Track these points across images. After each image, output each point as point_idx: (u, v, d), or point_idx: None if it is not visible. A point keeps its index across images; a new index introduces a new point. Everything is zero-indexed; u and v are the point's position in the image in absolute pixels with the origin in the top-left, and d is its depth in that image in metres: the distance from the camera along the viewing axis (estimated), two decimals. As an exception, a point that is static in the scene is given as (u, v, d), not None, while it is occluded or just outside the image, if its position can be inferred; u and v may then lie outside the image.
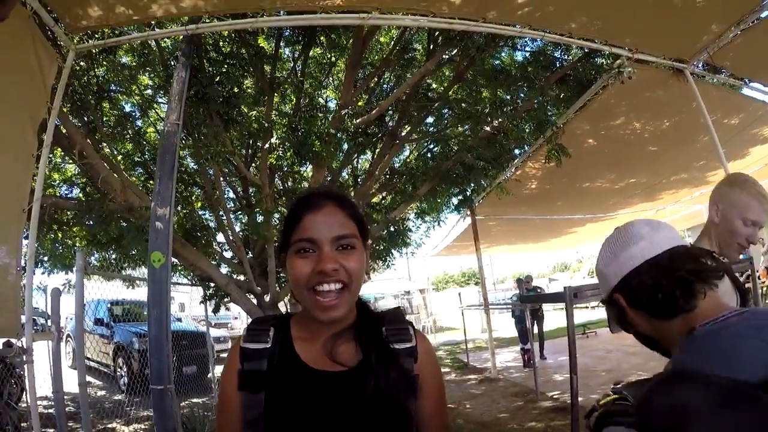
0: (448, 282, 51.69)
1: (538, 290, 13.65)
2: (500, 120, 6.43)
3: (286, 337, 1.24)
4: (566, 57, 6.69)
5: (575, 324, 3.09)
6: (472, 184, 8.16)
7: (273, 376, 1.17)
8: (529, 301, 10.94)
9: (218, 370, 8.78)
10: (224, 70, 5.34)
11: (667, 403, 0.88)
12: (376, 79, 7.66)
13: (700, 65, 5.01)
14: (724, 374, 0.86)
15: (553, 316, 12.78)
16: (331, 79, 8.44)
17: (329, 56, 7.55)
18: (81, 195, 7.32)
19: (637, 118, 6.31)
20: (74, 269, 4.58)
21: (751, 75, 5.40)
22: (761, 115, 6.38)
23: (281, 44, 6.46)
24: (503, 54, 7.66)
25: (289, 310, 6.94)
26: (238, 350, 1.22)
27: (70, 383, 4.36)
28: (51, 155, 6.90)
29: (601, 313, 19.06)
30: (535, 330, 11.33)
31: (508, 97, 7.00)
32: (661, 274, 1.10)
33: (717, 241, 2.13)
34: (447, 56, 6.57)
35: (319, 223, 1.16)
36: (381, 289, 26.99)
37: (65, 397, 3.93)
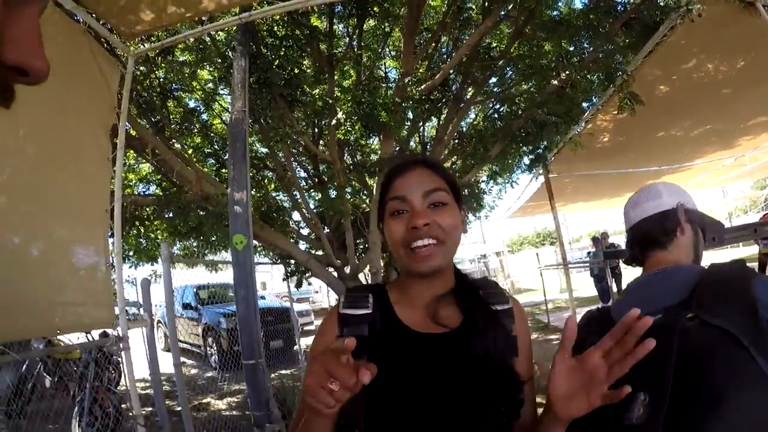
0: (522, 243, 51.08)
1: (616, 246, 13.23)
2: (567, 72, 6.18)
3: (385, 302, 1.24)
4: (628, 0, 6.33)
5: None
6: (545, 141, 7.94)
7: (375, 342, 1.16)
8: (612, 256, 10.63)
9: (303, 342, 9.08)
10: (282, 53, 5.38)
11: None
12: (433, 45, 7.50)
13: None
14: None
15: (631, 273, 12.32)
16: (388, 49, 8.35)
17: (384, 26, 7.45)
18: (158, 190, 7.64)
19: (710, 59, 5.89)
20: (160, 260, 4.79)
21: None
22: None
23: (334, 21, 6.43)
24: (561, 3, 7.34)
25: (369, 281, 7.04)
26: (336, 316, 1.22)
27: (165, 365, 4.58)
28: (124, 158, 7.22)
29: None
30: (614, 288, 11.02)
31: (572, 48, 6.71)
32: None
33: None
34: (504, 12, 6.35)
35: (408, 182, 1.18)
36: (458, 254, 26.92)
37: (161, 378, 4.17)
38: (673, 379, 1.05)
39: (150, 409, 4.88)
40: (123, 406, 4.98)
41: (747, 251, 13.17)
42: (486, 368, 1.11)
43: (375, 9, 5.64)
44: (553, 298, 16.10)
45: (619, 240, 21.00)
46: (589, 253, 13.22)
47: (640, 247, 1.48)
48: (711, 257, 1.70)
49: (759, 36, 4.79)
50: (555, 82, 6.41)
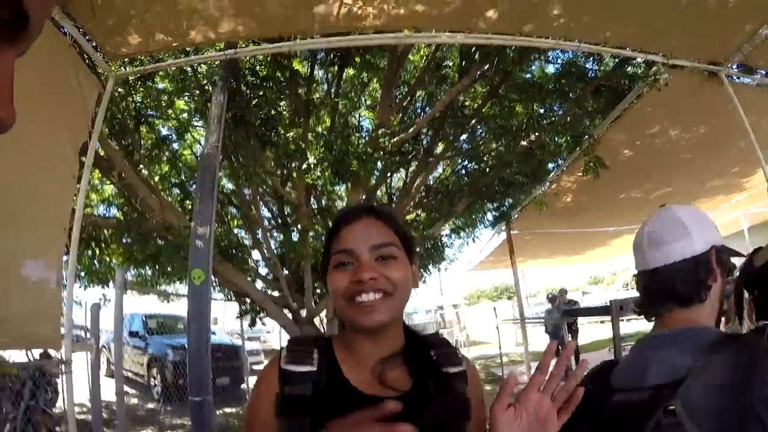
0: (480, 297, 51.34)
1: (574, 304, 13.43)
2: (537, 134, 6.38)
3: (331, 359, 1.14)
4: (599, 67, 6.62)
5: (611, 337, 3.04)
6: (510, 199, 8.09)
7: (320, 402, 1.06)
8: (573, 315, 10.74)
9: (252, 381, 8.87)
10: (261, 93, 5.42)
11: None
12: (409, 98, 7.66)
13: (734, 67, 4.91)
14: None
15: (587, 330, 12.52)
16: (364, 98, 8.48)
17: (363, 77, 7.58)
18: (119, 214, 7.48)
19: (673, 125, 6.18)
20: (114, 286, 4.67)
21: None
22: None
23: (316, 66, 6.52)
24: (535, 67, 7.62)
25: (324, 326, 6.97)
26: (277, 372, 1.11)
27: (106, 392, 4.43)
28: (89, 177, 7.08)
29: (635, 326, 18.67)
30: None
31: (543, 111, 6.95)
32: None
33: None
34: (480, 72, 6.55)
35: (355, 234, 1.10)
36: (413, 304, 26.84)
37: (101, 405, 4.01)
38: None
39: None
40: (57, 429, 4.75)
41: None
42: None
43: (356, 59, 5.74)
44: (508, 351, 16.17)
45: (577, 296, 21.36)
46: (548, 310, 13.34)
47: (662, 300, 1.19)
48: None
49: (720, 104, 5.03)
50: (524, 142, 6.59)
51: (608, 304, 3.73)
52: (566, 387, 0.92)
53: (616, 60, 6.13)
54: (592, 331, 17.36)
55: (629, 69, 6.34)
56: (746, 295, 1.91)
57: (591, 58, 6.51)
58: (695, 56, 4.53)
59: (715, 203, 10.18)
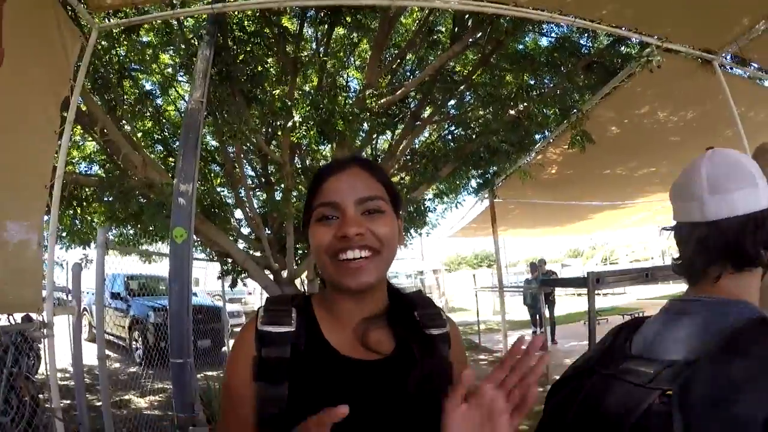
0: (460, 264, 51.81)
1: (552, 274, 13.61)
2: (525, 104, 6.36)
3: (310, 319, 1.09)
4: (592, 44, 6.59)
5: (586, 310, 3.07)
6: (494, 167, 8.10)
7: (299, 364, 1.02)
8: (549, 284, 10.88)
9: (232, 343, 8.88)
10: (248, 49, 5.31)
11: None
12: (399, 61, 7.58)
13: (728, 57, 4.92)
14: None
15: (564, 302, 12.75)
16: (353, 59, 8.36)
17: (353, 37, 7.46)
18: (101, 172, 7.37)
19: (662, 107, 6.22)
20: (95, 245, 4.60)
21: (781, 70, 5.30)
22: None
23: (305, 24, 6.39)
24: (528, 39, 7.56)
25: (306, 287, 6.97)
26: (254, 334, 1.05)
27: (87, 355, 4.40)
28: (71, 133, 6.94)
29: (612, 300, 19.05)
30: (547, 314, 11.34)
31: (533, 82, 6.92)
32: None
33: None
34: (472, 40, 6.47)
35: (341, 185, 1.03)
36: (394, 268, 26.84)
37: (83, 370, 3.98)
38: None
39: (69, 401, 4.64)
40: (41, 396, 4.73)
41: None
42: (420, 401, 1.00)
43: (347, 18, 5.63)
44: (486, 319, 16.43)
45: (557, 268, 21.65)
46: (527, 280, 13.54)
47: (717, 259, 1.02)
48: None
49: (711, 92, 5.06)
50: (512, 111, 6.56)
51: (585, 276, 3.75)
52: (523, 384, 0.86)
53: (611, 39, 6.11)
54: (568, 303, 17.68)
55: (623, 49, 6.32)
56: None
57: (585, 35, 6.50)
58: (690, 42, 4.56)
59: (698, 188, 10.30)
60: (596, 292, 3.60)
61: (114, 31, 4.99)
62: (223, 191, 8.19)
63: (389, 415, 1.00)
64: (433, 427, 0.94)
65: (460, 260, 53.23)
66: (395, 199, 1.11)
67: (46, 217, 3.50)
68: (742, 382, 0.79)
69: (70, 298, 4.16)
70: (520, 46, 7.28)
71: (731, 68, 5.15)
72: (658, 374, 0.91)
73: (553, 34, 6.95)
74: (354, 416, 0.90)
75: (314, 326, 1.08)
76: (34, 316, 3.19)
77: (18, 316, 3.64)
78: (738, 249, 0.98)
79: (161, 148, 7.31)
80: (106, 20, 4.15)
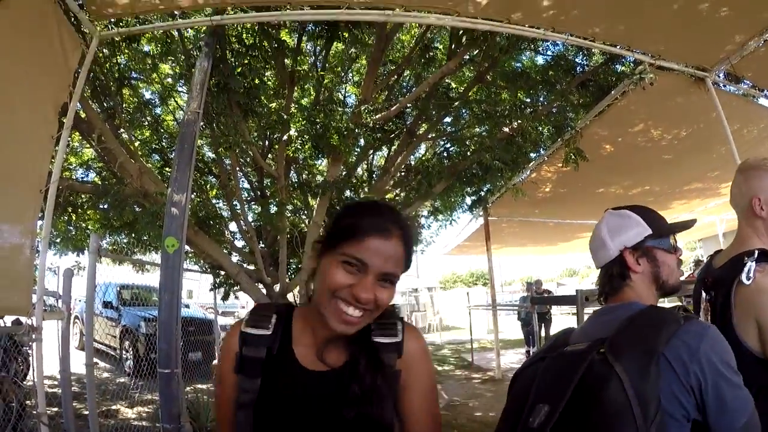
0: (455, 282, 51.54)
1: (548, 293, 13.63)
2: (519, 122, 6.40)
3: (286, 329, 1.26)
4: (587, 62, 6.66)
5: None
6: (488, 185, 8.14)
7: (269, 366, 1.21)
8: (540, 302, 10.94)
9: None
10: (246, 61, 5.34)
11: None
12: (395, 77, 7.63)
13: (721, 75, 4.97)
14: None
15: (560, 321, 12.72)
16: (351, 74, 8.43)
17: (351, 52, 7.53)
18: (97, 179, 7.38)
19: (655, 125, 6.25)
20: (87, 251, 4.59)
21: (773, 87, 5.35)
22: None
23: (303, 38, 6.45)
24: (524, 57, 7.65)
25: (297, 301, 6.97)
26: (239, 333, 1.24)
27: (77, 364, 4.37)
28: (69, 139, 6.96)
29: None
30: (542, 333, 11.33)
31: (528, 100, 6.98)
32: None
33: None
34: (468, 57, 6.54)
35: (379, 253, 1.13)
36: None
37: (71, 377, 3.95)
38: (572, 401, 1.20)
39: (56, 409, 4.61)
40: (28, 402, 4.70)
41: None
42: (356, 413, 1.14)
43: (345, 34, 5.69)
44: (480, 338, 16.37)
45: (552, 287, 21.62)
46: (522, 297, 13.56)
47: (603, 289, 1.58)
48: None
49: (704, 109, 5.10)
50: (506, 129, 6.62)
51: (575, 293, 3.79)
52: None
53: (606, 57, 6.17)
54: (564, 321, 17.64)
55: (618, 67, 6.39)
56: (704, 295, 1.95)
57: (581, 53, 6.55)
58: (683, 60, 4.59)
59: (692, 206, 10.36)
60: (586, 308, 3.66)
61: (115, 39, 5.03)
62: (218, 203, 8.20)
63: (328, 425, 1.16)
64: None
65: (456, 278, 53.01)
66: (408, 263, 1.23)
67: (39, 222, 3.51)
68: (644, 333, 1.26)
69: (60, 303, 4.14)
70: (517, 64, 7.36)
71: (724, 85, 5.20)
72: (592, 344, 1.30)
73: (548, 52, 7.03)
74: (302, 420, 1.16)
75: (288, 335, 1.26)
76: (24, 320, 3.18)
77: (8, 320, 3.64)
78: (608, 285, 1.55)
79: (158, 157, 7.33)
80: (108, 28, 4.20)
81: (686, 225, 1.63)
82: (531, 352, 11.11)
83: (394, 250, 1.15)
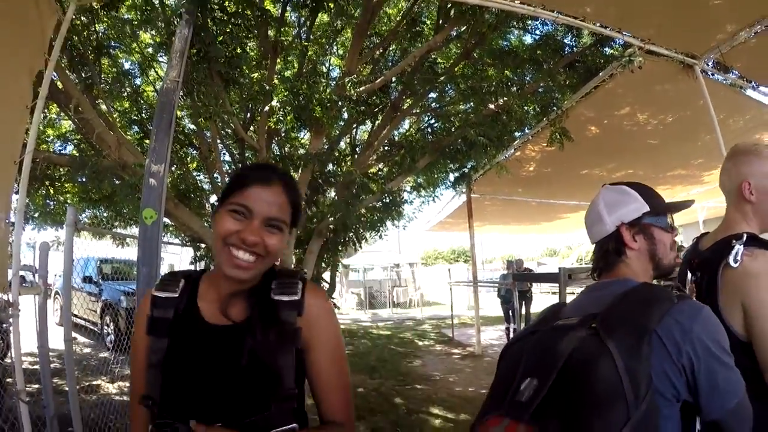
0: (437, 258, 51.81)
1: (529, 272, 13.75)
2: (505, 99, 6.36)
3: (193, 290, 1.36)
4: (576, 44, 6.60)
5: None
6: (472, 161, 8.12)
7: (176, 325, 1.29)
8: (523, 279, 11.04)
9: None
10: (228, 30, 5.21)
11: None
12: (381, 50, 7.53)
13: (710, 63, 4.97)
14: None
15: (539, 299, 12.89)
16: (335, 47, 8.30)
17: (336, 24, 7.39)
18: (75, 151, 7.23)
19: (642, 110, 6.27)
20: (64, 224, 4.49)
21: (760, 79, 5.36)
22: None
23: (288, 8, 6.31)
24: (512, 36, 7.57)
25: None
26: (150, 297, 1.34)
27: (57, 340, 4.32)
28: (46, 111, 6.80)
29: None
30: (523, 311, 11.45)
31: (515, 78, 6.92)
32: None
33: (761, 221, 1.87)
34: (455, 33, 6.45)
35: (261, 198, 1.24)
36: (371, 260, 27.04)
37: (51, 353, 3.89)
38: (561, 376, 1.19)
39: (36, 386, 4.55)
40: (8, 380, 4.64)
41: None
42: (249, 363, 1.21)
43: (330, 4, 5.57)
44: (460, 314, 16.52)
45: (533, 266, 21.84)
46: (503, 275, 13.65)
47: (597, 265, 1.59)
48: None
49: (691, 97, 5.11)
50: (492, 106, 6.57)
51: (558, 271, 3.80)
52: None
53: (594, 38, 6.12)
54: (544, 300, 17.87)
55: (607, 50, 6.34)
56: (689, 276, 1.96)
57: (569, 34, 6.50)
58: (673, 46, 4.57)
59: (674, 192, 10.45)
60: (568, 289, 3.68)
61: (94, 6, 4.87)
62: (199, 176, 8.09)
63: (225, 375, 1.21)
64: (262, 385, 1.21)
65: (437, 255, 53.27)
66: (296, 219, 1.35)
67: (15, 196, 3.42)
68: (636, 309, 1.25)
69: (37, 278, 4.06)
70: (504, 43, 7.29)
71: (712, 74, 5.20)
72: (583, 319, 1.30)
73: (537, 32, 6.96)
74: (204, 375, 1.22)
75: (194, 295, 1.35)
76: (0, 296, 3.12)
77: (-15, 298, 3.56)
78: (603, 260, 1.55)
79: (138, 129, 7.18)
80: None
81: (684, 204, 1.61)
82: (511, 329, 11.24)
83: (276, 196, 1.27)
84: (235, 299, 1.29)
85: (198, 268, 7.76)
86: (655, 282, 1.56)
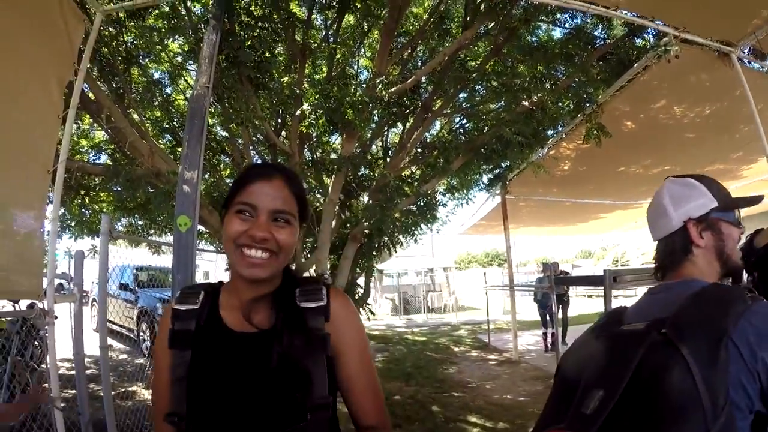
0: (471, 262, 51.40)
1: (565, 275, 13.47)
2: (539, 95, 6.23)
3: (214, 300, 1.33)
4: (607, 35, 6.44)
5: (593, 313, 2.97)
6: (507, 161, 8.00)
7: (199, 336, 1.26)
8: (563, 282, 10.81)
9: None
10: (256, 34, 5.22)
11: None
12: (409, 50, 7.48)
13: (746, 51, 4.78)
14: None
15: (575, 303, 12.62)
16: (363, 48, 8.27)
17: (363, 25, 7.37)
18: (109, 161, 7.34)
19: (678, 102, 6.07)
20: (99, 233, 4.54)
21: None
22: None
23: (314, 11, 6.31)
24: (540, 32, 7.45)
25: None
26: (170, 311, 1.32)
27: (93, 346, 4.36)
28: (79, 122, 6.91)
29: (623, 303, 18.79)
30: (560, 314, 11.22)
31: (547, 73, 6.78)
32: None
33: None
34: (484, 29, 6.35)
35: (264, 193, 1.23)
36: (404, 265, 26.96)
37: (87, 359, 3.93)
38: (630, 386, 1.12)
39: (73, 391, 4.60)
40: (45, 386, 4.71)
41: None
42: (280, 369, 1.18)
43: (357, 5, 5.54)
44: (495, 318, 16.29)
45: (568, 269, 21.51)
46: (539, 278, 13.41)
47: (662, 263, 1.48)
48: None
49: (728, 86, 4.92)
50: (525, 103, 6.44)
51: (602, 273, 3.66)
52: None
53: (626, 29, 5.97)
54: (579, 304, 17.52)
55: (638, 41, 6.17)
56: (745, 276, 1.85)
57: (600, 26, 6.35)
58: (708, 34, 4.41)
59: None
60: (598, 294, 3.54)
61: (120, 15, 4.93)
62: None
63: (257, 383, 1.19)
64: (292, 392, 1.17)
65: (471, 258, 52.85)
66: (304, 212, 1.33)
67: (50, 206, 3.47)
68: (710, 312, 1.15)
69: (72, 286, 4.11)
70: (533, 38, 7.17)
71: (749, 62, 5.01)
72: (651, 323, 1.21)
73: (566, 25, 6.81)
74: (233, 383, 1.19)
75: (215, 305, 1.33)
76: (37, 303, 3.17)
77: (24, 304, 3.62)
78: (668, 259, 1.45)
79: (170, 137, 7.27)
80: (113, 3, 4.09)
81: (755, 200, 1.51)
82: (548, 334, 11.03)
83: (279, 189, 1.25)
84: (259, 306, 1.27)
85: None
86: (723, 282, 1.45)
